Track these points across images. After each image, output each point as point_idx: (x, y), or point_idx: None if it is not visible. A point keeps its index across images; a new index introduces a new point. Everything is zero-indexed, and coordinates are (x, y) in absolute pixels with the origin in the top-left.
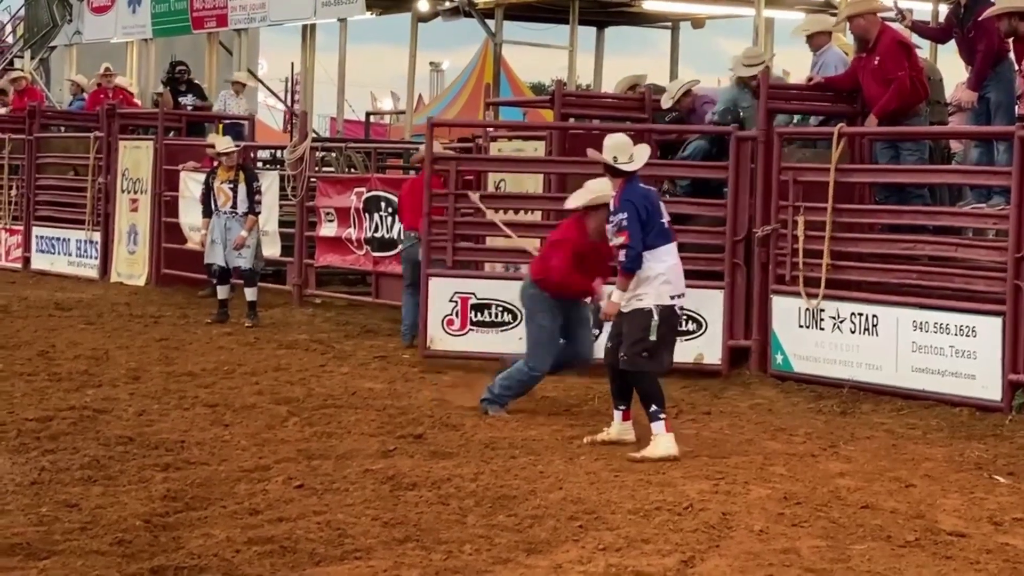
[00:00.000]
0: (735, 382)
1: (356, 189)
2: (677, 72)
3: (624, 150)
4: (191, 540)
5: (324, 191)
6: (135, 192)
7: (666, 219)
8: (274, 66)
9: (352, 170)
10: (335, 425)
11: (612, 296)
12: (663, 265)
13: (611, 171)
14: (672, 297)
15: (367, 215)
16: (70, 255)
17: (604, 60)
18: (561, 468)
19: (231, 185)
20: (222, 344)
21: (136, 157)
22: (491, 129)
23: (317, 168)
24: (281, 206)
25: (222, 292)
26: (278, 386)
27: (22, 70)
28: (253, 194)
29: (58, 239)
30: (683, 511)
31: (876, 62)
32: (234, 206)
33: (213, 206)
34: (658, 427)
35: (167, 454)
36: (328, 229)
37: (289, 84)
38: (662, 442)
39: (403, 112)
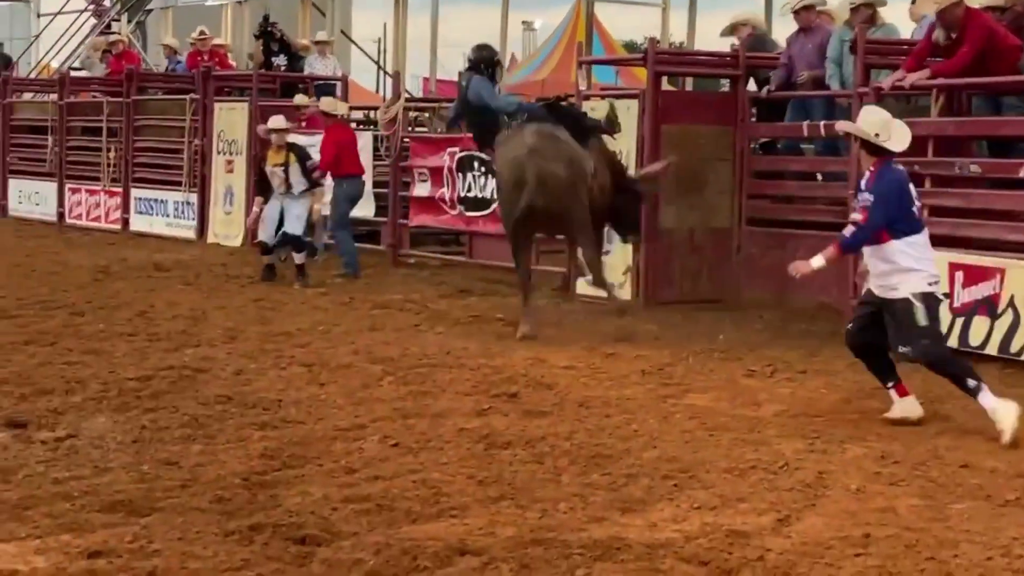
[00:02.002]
0: (831, 340)
1: (449, 149)
2: (771, 30)
3: (886, 127)
4: (288, 498)
5: (417, 151)
6: (230, 154)
7: (917, 205)
8: (367, 27)
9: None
10: (430, 384)
11: (813, 261)
12: (915, 254)
13: (869, 148)
14: (929, 284)
15: (460, 175)
16: (168, 216)
17: (697, 17)
18: (655, 427)
19: (283, 168)
20: (317, 304)
21: (231, 119)
22: (583, 88)
23: (410, 128)
24: (375, 167)
25: (269, 259)
26: (373, 345)
27: (119, 33)
28: (308, 172)
29: (156, 201)
30: (778, 470)
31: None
32: (289, 187)
33: (272, 187)
34: (984, 400)
35: (264, 413)
36: (421, 189)
37: (381, 45)
38: (1001, 411)
39: None
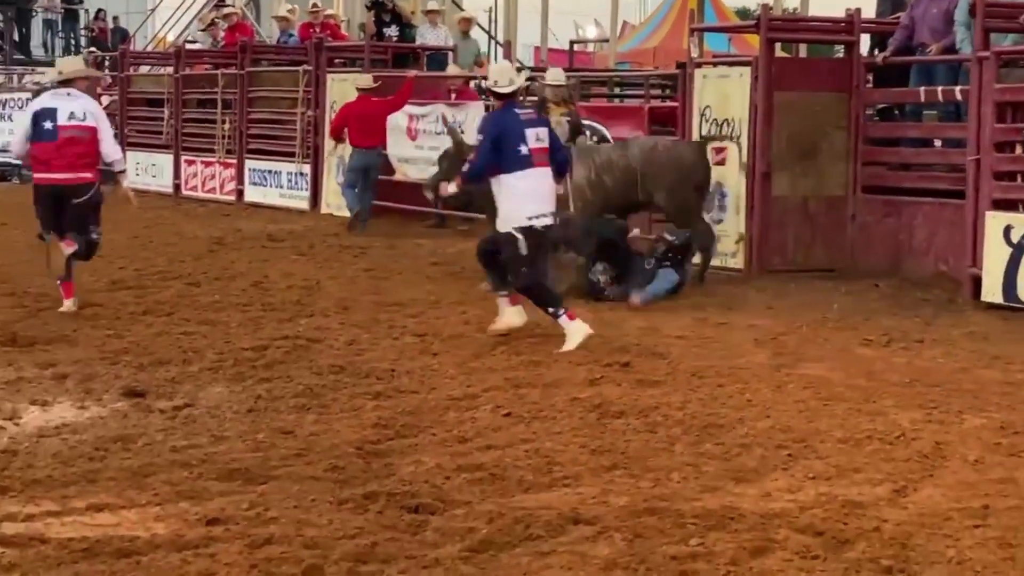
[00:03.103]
0: (948, 309)
1: (557, 117)
2: None
3: (504, 74)
4: (402, 467)
5: None
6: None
7: (527, 147)
8: None
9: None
10: (542, 354)
11: (450, 186)
12: (514, 190)
13: (492, 95)
14: (529, 218)
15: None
16: (281, 187)
17: None
18: (769, 396)
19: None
20: (429, 274)
21: (344, 90)
22: (695, 56)
23: (521, 99)
24: None
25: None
26: (485, 315)
27: (233, 5)
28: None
29: (270, 172)
30: (895, 440)
31: None
32: None
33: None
34: (563, 322)
35: (377, 382)
36: None
37: (492, 14)
38: (571, 330)
39: (607, 40)
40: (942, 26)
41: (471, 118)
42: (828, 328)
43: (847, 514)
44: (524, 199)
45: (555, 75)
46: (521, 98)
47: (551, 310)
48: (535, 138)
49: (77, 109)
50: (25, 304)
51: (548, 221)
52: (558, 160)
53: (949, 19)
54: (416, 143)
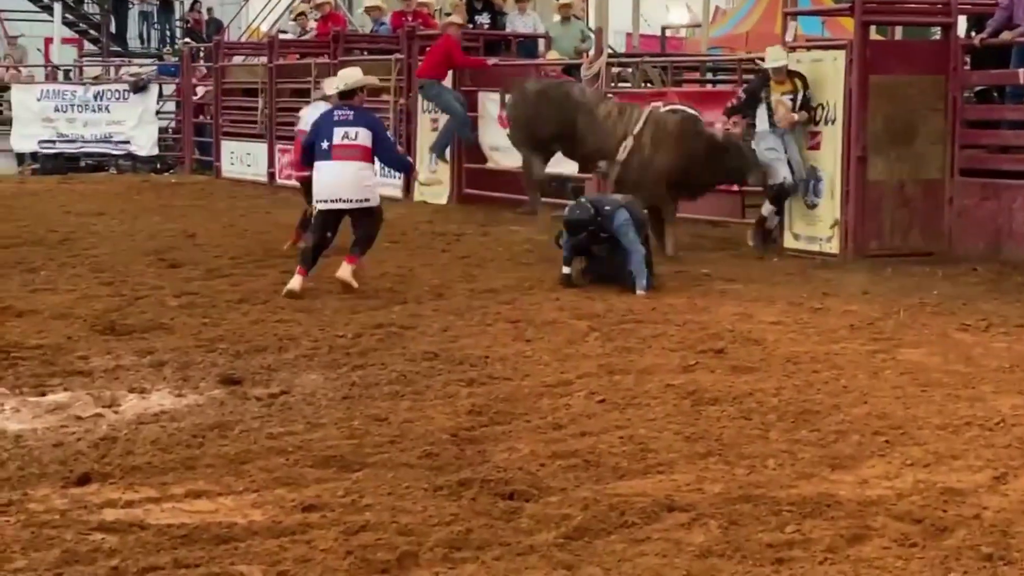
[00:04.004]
0: None
1: (653, 104)
2: None
3: (333, 81)
4: (496, 454)
5: None
6: (435, 112)
7: (329, 143)
8: None
9: (648, 85)
10: (635, 340)
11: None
12: (316, 177)
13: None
14: (319, 202)
15: None
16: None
17: None
18: (865, 383)
19: (791, 96)
20: (523, 260)
21: None
22: (789, 39)
23: (614, 84)
24: None
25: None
26: (578, 301)
27: None
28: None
29: None
30: (994, 427)
31: None
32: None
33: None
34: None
35: (471, 369)
36: None
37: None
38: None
39: (699, 25)
40: None
41: None
42: (926, 313)
43: (946, 501)
44: (318, 185)
45: (775, 55)
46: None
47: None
48: (342, 136)
49: (350, 128)
50: (123, 293)
51: (337, 206)
52: (386, 159)
53: None
54: (508, 131)
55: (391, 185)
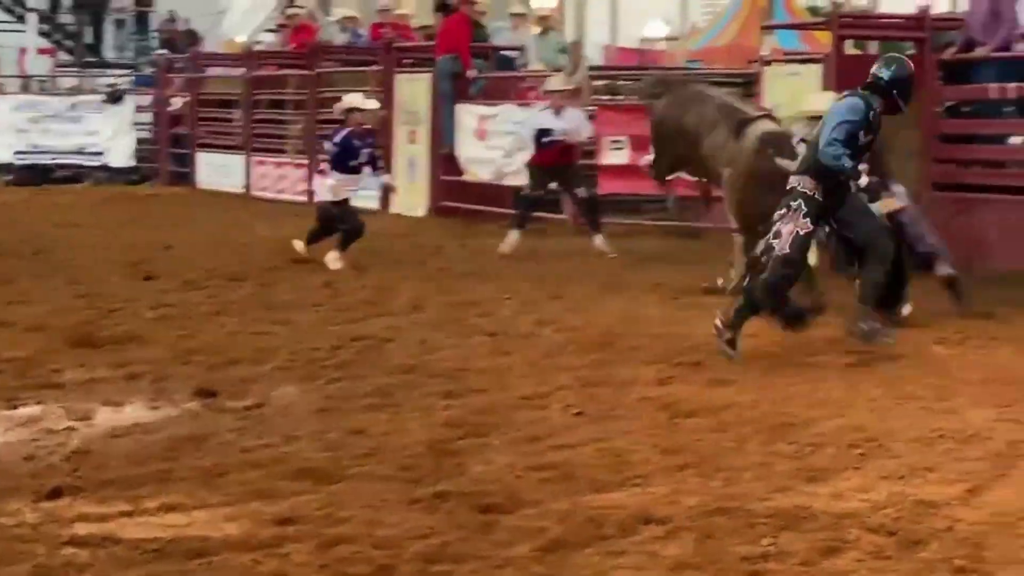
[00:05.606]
0: (1021, 307)
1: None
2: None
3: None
4: (473, 466)
5: (610, 120)
6: (413, 124)
7: (356, 161)
8: None
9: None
10: (612, 353)
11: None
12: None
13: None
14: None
15: None
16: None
17: None
18: (841, 395)
19: None
20: (499, 273)
21: (414, 90)
22: (766, 53)
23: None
24: None
25: None
26: (556, 314)
27: (302, 7)
28: None
29: None
30: (968, 439)
31: None
32: None
33: None
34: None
35: (449, 382)
36: (614, 157)
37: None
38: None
39: (677, 39)
40: (991, 21)
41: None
42: (902, 326)
43: (920, 514)
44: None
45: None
46: None
47: None
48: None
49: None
50: (98, 305)
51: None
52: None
53: (997, 14)
54: (486, 143)
55: (369, 197)
